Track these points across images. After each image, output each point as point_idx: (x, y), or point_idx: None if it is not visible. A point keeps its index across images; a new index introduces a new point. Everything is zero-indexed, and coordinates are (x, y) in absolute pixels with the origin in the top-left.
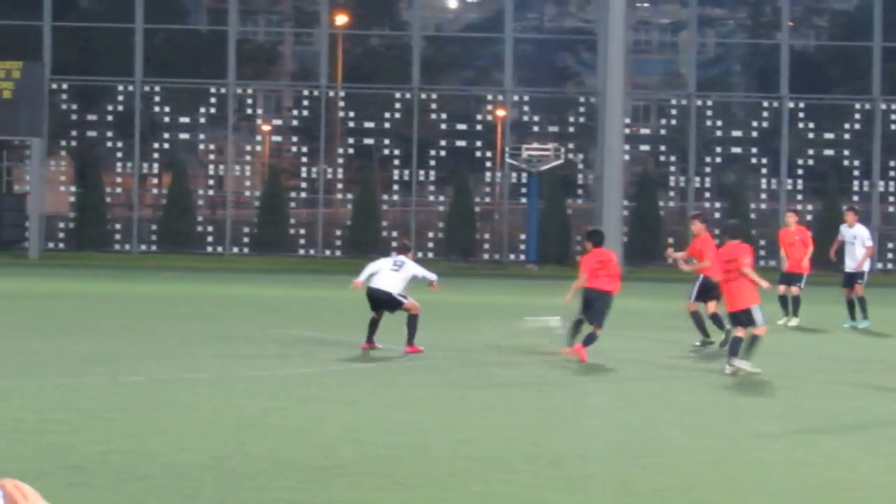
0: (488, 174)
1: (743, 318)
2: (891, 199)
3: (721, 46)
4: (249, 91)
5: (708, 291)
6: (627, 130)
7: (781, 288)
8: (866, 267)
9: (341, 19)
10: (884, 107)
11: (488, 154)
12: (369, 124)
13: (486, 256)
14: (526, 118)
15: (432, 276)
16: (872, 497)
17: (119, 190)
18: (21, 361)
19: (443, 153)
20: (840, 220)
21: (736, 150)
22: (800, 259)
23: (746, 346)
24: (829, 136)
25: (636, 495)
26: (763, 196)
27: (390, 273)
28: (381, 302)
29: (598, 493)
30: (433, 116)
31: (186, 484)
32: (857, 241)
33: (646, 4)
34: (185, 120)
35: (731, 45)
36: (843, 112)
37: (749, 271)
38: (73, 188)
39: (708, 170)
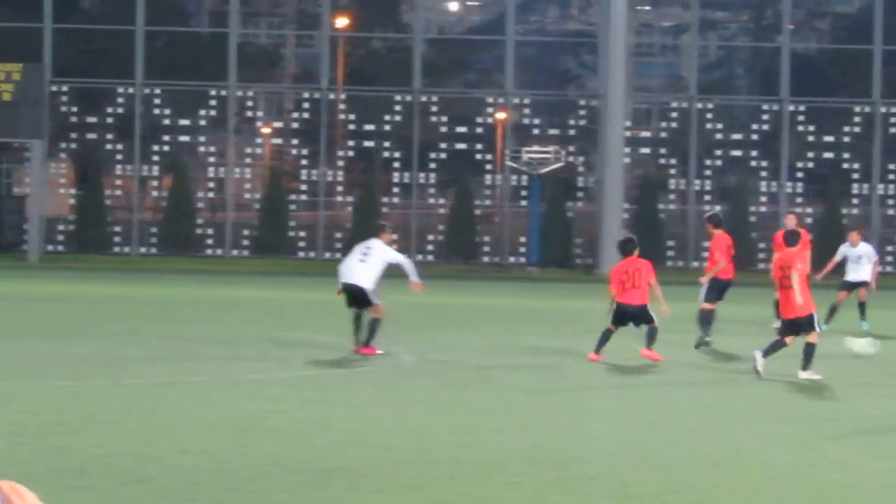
0: (489, 177)
1: (803, 324)
2: (890, 202)
3: (722, 49)
4: (250, 93)
5: (720, 292)
6: (628, 133)
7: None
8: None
9: (342, 22)
10: (884, 110)
11: (489, 157)
12: (370, 127)
13: (486, 259)
14: (527, 121)
15: (406, 262)
16: (874, 500)
17: (119, 192)
18: (21, 364)
19: (444, 156)
20: (839, 223)
21: (736, 153)
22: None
23: (804, 357)
24: (829, 139)
25: (636, 498)
26: (764, 199)
27: (359, 265)
28: (355, 296)
29: (598, 496)
30: (434, 119)
31: (187, 487)
32: (864, 257)
33: (647, 7)
34: (185, 122)
35: (732, 48)
36: (843, 115)
37: (796, 278)
38: (73, 191)
39: (709, 173)
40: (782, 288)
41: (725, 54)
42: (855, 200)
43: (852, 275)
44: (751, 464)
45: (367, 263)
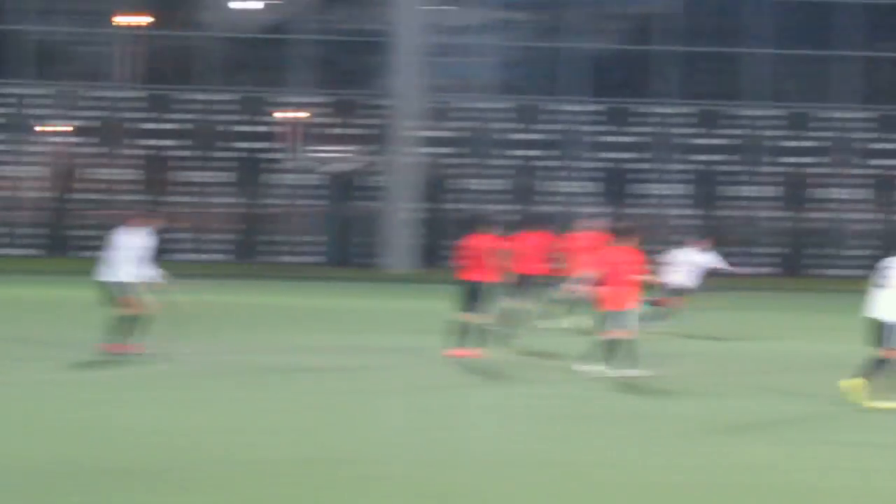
0: (281, 176)
1: (620, 319)
2: (681, 202)
3: (520, 49)
4: (42, 91)
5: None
6: (423, 133)
7: (571, 288)
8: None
9: (137, 19)
10: (673, 111)
11: (282, 156)
12: (163, 125)
13: (280, 258)
14: (320, 120)
15: (142, 255)
16: (653, 498)
17: None
18: None
19: (236, 154)
20: (631, 224)
21: (534, 152)
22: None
23: (607, 350)
24: (624, 139)
25: (420, 497)
26: (559, 199)
27: (115, 256)
28: (109, 289)
29: (381, 496)
30: (227, 117)
31: None
32: (701, 266)
33: (445, 7)
34: None
35: (530, 48)
36: (637, 116)
37: (639, 277)
38: None
39: (505, 172)
40: (609, 282)
41: (523, 54)
42: (645, 201)
43: (680, 279)
44: (540, 464)
45: (122, 254)
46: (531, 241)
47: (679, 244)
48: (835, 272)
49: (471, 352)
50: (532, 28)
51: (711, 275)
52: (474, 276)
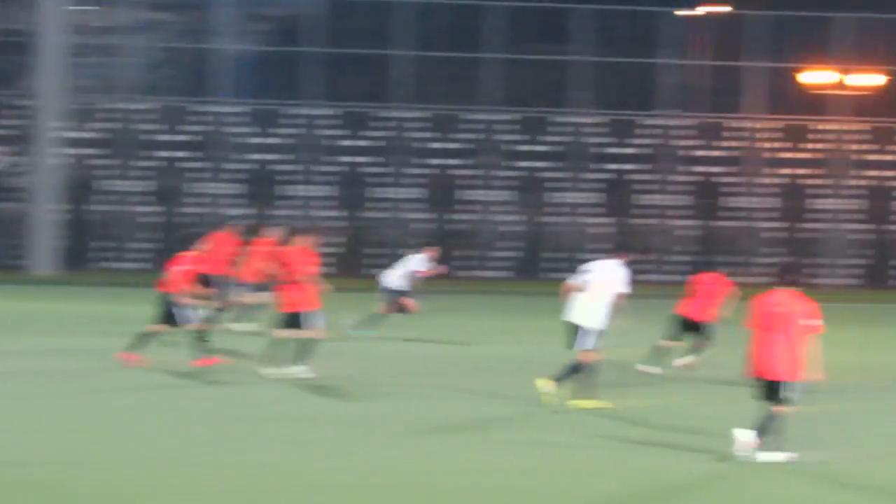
0: None
1: (299, 320)
2: (322, 203)
3: (166, 50)
4: None
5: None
6: (68, 134)
7: (253, 292)
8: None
9: None
10: (320, 112)
11: None
12: None
13: None
14: None
15: None
16: (300, 500)
17: None
18: None
19: None
20: (273, 225)
21: (180, 154)
22: (259, 269)
23: (289, 350)
24: (272, 141)
25: (63, 499)
26: (205, 200)
27: None
28: None
29: (19, 499)
30: None
31: None
32: (421, 269)
33: (89, 7)
34: None
35: (176, 49)
36: (284, 117)
37: (305, 278)
38: None
39: (151, 174)
40: (288, 284)
41: (168, 55)
42: (291, 202)
43: (394, 281)
44: (186, 465)
45: None
46: (216, 244)
47: (404, 249)
48: (481, 274)
49: (145, 358)
50: (178, 29)
51: (426, 279)
52: (171, 287)
